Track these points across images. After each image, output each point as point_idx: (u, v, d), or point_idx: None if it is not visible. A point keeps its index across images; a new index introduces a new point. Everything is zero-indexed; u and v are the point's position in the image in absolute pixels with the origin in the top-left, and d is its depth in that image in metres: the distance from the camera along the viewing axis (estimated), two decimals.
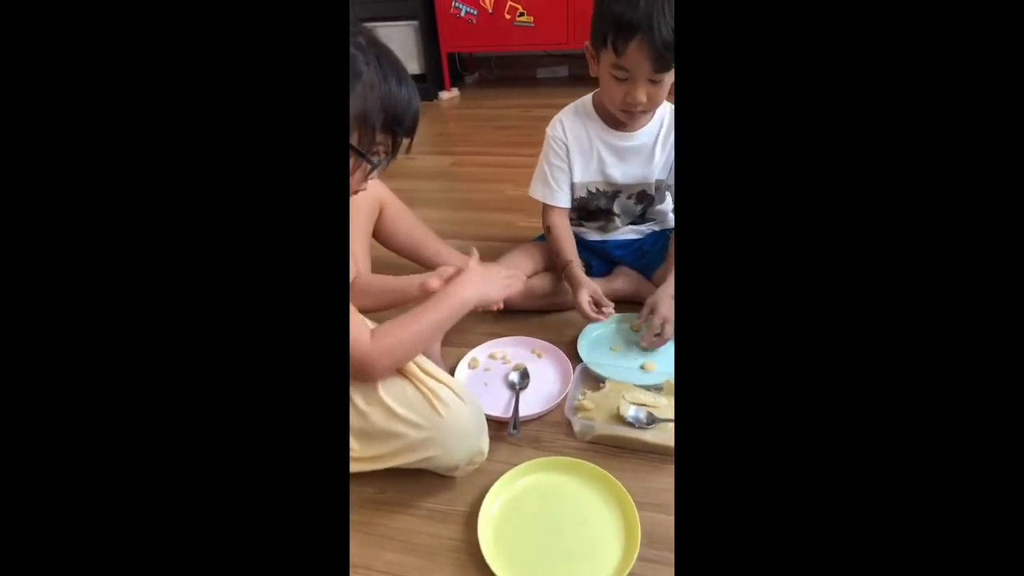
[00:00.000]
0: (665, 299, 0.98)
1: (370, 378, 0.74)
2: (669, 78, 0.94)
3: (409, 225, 1.17)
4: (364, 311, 0.85)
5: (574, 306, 1.02)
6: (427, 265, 1.17)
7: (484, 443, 0.79)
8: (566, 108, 1.11)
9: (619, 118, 1.03)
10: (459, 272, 0.85)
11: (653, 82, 0.93)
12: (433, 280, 0.84)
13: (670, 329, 0.97)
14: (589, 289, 1.00)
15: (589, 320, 1.00)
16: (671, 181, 1.09)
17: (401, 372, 0.78)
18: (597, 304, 1.00)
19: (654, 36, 0.86)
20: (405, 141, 0.74)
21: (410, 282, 0.89)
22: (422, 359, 0.81)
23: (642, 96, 0.94)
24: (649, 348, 1.01)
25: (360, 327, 0.74)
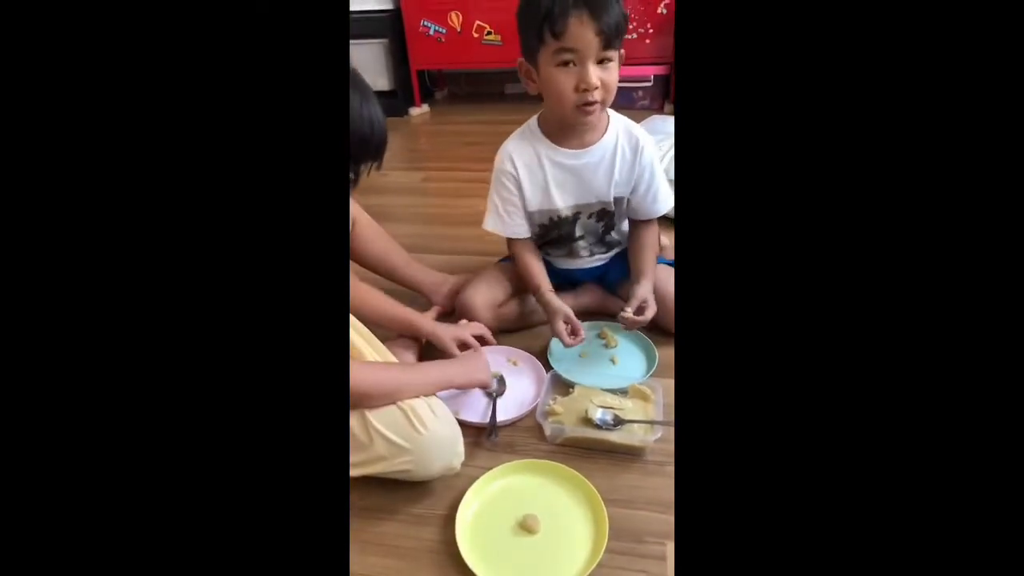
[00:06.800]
0: (644, 287, 1.02)
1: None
2: (616, 64, 0.94)
3: (378, 240, 1.20)
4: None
5: (550, 329, 1.05)
6: (397, 279, 1.22)
7: (459, 452, 0.82)
8: (511, 136, 1.09)
9: (573, 122, 0.99)
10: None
11: (602, 62, 0.92)
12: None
13: (650, 312, 1.00)
14: (563, 315, 1.02)
15: (566, 345, 1.02)
16: (635, 197, 1.08)
17: None
18: (574, 332, 1.02)
19: (590, 3, 0.86)
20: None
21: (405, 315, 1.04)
22: None
23: (594, 78, 0.91)
24: (628, 329, 1.04)
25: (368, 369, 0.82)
